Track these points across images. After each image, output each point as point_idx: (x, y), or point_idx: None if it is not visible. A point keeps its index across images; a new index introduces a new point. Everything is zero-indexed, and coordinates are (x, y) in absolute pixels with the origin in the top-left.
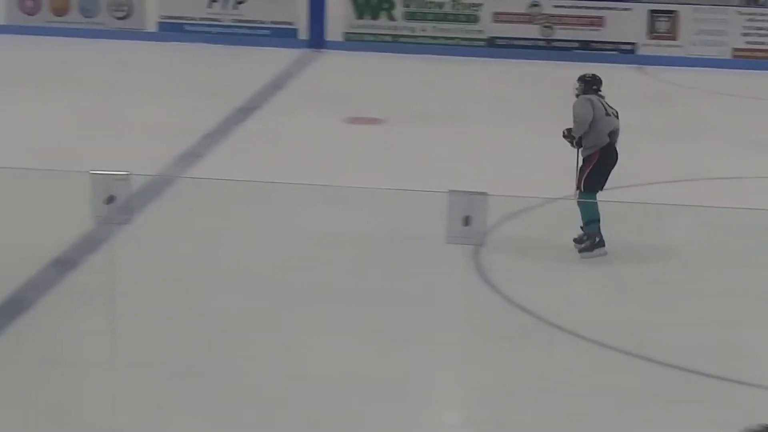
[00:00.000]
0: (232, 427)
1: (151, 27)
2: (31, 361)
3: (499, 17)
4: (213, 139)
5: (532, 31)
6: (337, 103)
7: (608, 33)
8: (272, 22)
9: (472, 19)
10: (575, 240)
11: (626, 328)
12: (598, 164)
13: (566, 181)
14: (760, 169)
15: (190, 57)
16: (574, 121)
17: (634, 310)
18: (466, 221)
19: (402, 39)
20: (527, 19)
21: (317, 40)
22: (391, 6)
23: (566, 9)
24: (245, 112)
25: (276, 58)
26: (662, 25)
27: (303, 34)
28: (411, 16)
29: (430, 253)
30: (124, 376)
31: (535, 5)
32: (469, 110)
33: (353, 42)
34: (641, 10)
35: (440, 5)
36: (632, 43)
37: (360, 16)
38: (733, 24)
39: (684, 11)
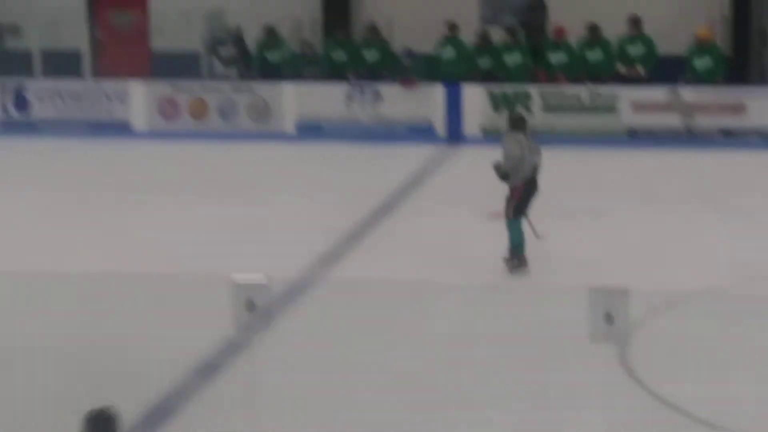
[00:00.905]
0: None
1: (289, 128)
2: None
3: (638, 107)
4: (352, 239)
5: (671, 120)
6: (475, 198)
7: (750, 119)
8: (409, 120)
9: (611, 109)
10: (505, 259)
11: None
12: (522, 195)
13: (713, 272)
14: None
15: (328, 157)
16: (504, 157)
17: None
18: (609, 318)
19: (540, 131)
20: (666, 108)
21: (455, 136)
22: (528, 98)
23: (706, 96)
24: (384, 210)
25: (414, 155)
26: None
27: (440, 130)
28: (549, 109)
29: (574, 352)
30: None
31: (674, 94)
32: (609, 202)
33: (491, 136)
34: None
35: (578, 97)
36: None
37: (497, 110)
38: None
39: None
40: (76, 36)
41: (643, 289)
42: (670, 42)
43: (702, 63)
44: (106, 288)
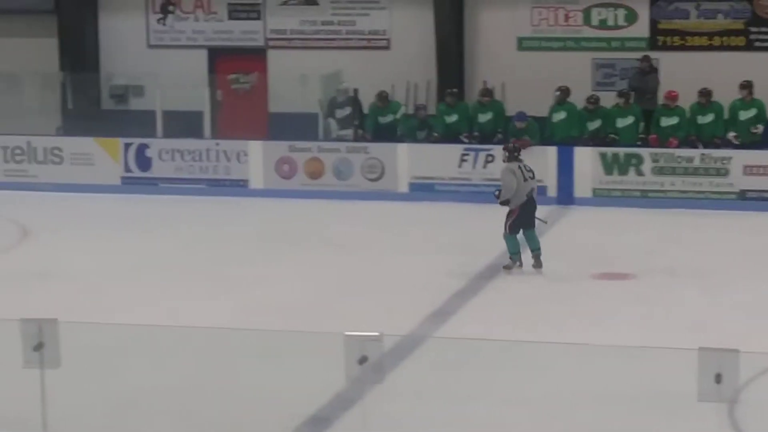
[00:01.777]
0: None
1: (403, 188)
2: None
3: (750, 169)
4: (463, 296)
5: None
6: (585, 258)
7: None
8: None
9: (722, 172)
10: (505, 267)
11: None
12: (518, 216)
13: None
14: None
15: (440, 216)
16: (503, 187)
17: None
18: (718, 378)
19: (651, 194)
20: None
21: (566, 197)
22: (640, 161)
23: None
24: (494, 269)
25: None
26: None
27: (552, 191)
28: (660, 171)
29: (682, 412)
30: None
31: None
32: (719, 264)
33: (602, 198)
34: None
35: (690, 159)
36: None
37: (609, 172)
38: None
39: None
40: (197, 97)
41: (753, 350)
42: None
43: None
44: (221, 342)
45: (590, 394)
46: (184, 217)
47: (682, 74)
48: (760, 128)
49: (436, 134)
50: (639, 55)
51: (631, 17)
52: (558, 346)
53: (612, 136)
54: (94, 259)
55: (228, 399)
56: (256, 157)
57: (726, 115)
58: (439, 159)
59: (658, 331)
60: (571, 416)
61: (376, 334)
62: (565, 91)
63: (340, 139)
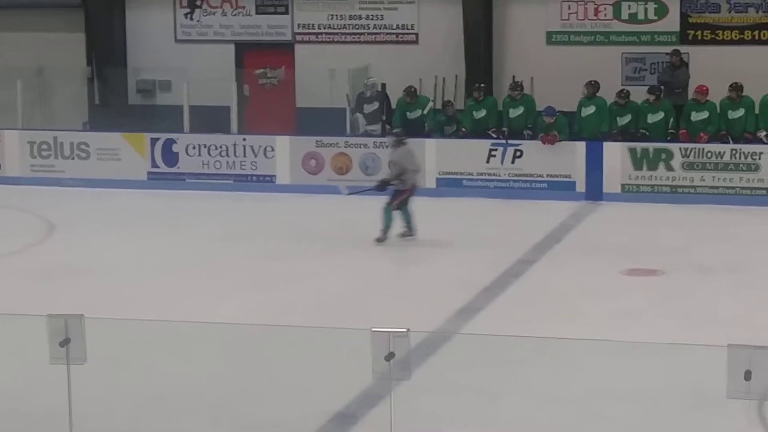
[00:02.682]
0: None
1: (430, 183)
2: None
3: None
4: (491, 292)
5: None
6: (614, 254)
7: None
8: (549, 176)
9: (753, 167)
10: (378, 239)
11: None
12: (410, 194)
13: None
14: None
15: (468, 211)
16: (414, 165)
17: None
18: (748, 375)
19: (680, 189)
20: None
21: (595, 192)
22: (669, 157)
23: None
24: (523, 265)
25: (553, 210)
26: None
27: (580, 187)
28: (690, 166)
29: (711, 409)
30: None
31: None
32: (749, 260)
33: (631, 194)
34: None
35: (720, 154)
36: None
37: (638, 168)
38: None
39: None
40: (224, 92)
41: None
42: None
43: None
44: (247, 338)
45: (618, 390)
46: (210, 212)
47: (712, 69)
48: None
49: (464, 129)
50: (669, 49)
51: (662, 11)
52: (587, 343)
53: (642, 131)
54: (121, 255)
55: (254, 395)
56: (283, 153)
57: (757, 109)
58: (467, 154)
59: (688, 328)
60: (599, 412)
61: (403, 330)
62: (594, 86)
63: (367, 134)
